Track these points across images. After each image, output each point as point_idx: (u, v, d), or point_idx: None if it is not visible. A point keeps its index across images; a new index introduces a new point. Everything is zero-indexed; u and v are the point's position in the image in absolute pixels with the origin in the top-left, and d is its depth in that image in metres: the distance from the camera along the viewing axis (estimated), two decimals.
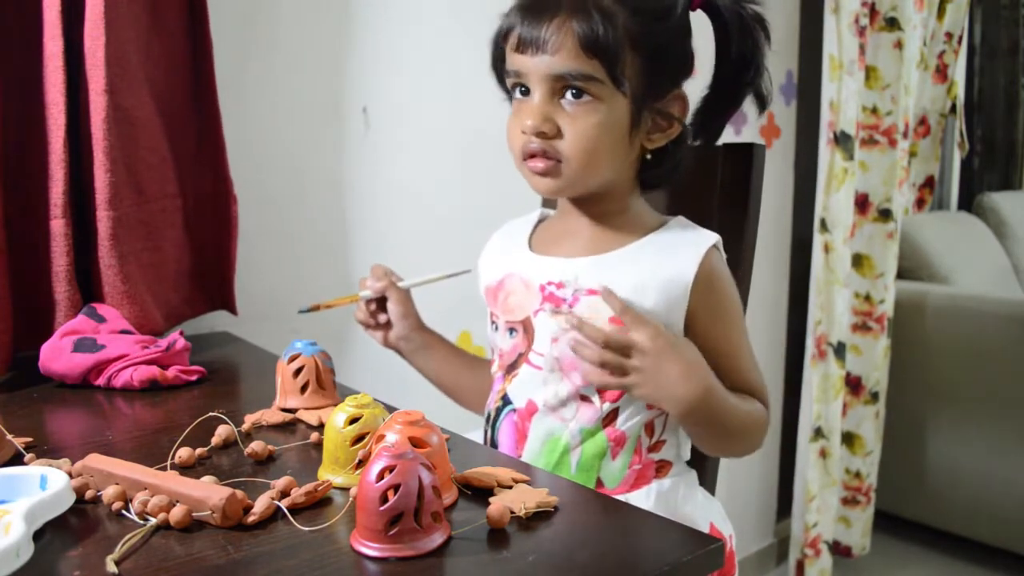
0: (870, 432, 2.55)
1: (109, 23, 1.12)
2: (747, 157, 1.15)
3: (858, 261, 2.48)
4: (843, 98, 2.28)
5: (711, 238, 0.99)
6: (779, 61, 2.48)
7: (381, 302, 1.21)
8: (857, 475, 2.56)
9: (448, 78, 1.69)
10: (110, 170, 1.14)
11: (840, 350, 2.39)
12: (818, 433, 2.42)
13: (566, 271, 1.01)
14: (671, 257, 0.97)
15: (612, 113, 0.94)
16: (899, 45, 2.38)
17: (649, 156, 1.00)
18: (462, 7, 1.70)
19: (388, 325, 1.20)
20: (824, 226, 2.35)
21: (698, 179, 1.18)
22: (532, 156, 0.96)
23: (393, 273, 1.20)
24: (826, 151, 2.31)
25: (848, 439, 2.56)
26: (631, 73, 0.93)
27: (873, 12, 2.35)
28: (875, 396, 2.54)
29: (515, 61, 0.96)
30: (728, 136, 2.36)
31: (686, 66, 0.99)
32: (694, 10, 0.97)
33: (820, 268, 2.36)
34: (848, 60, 2.26)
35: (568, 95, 0.94)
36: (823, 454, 2.43)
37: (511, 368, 1.06)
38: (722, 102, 1.04)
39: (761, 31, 0.99)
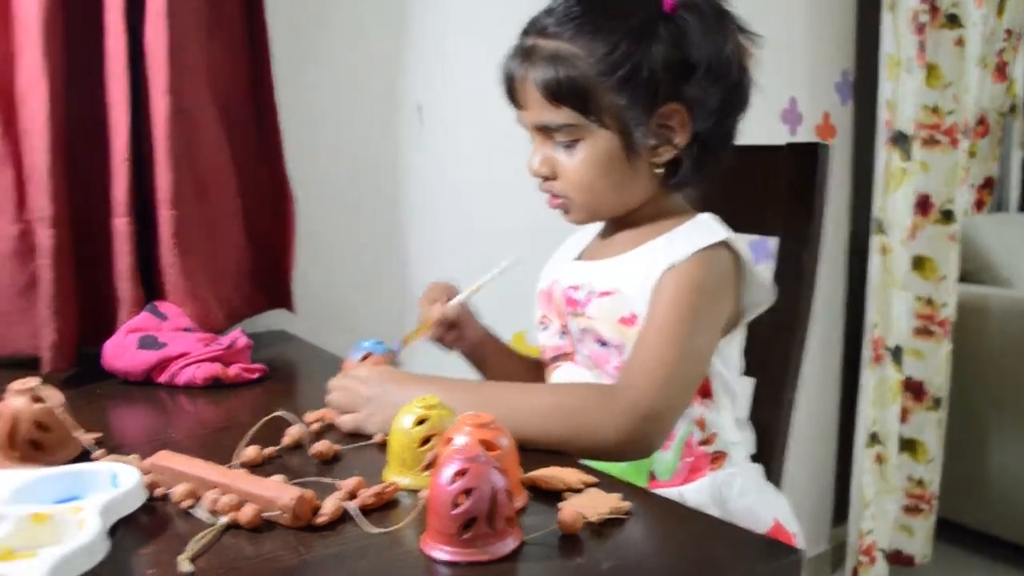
0: (932, 439, 2.49)
1: (171, 23, 1.13)
2: (812, 157, 1.12)
3: (919, 264, 2.42)
4: (900, 97, 2.23)
5: (710, 238, 0.95)
6: (834, 59, 2.43)
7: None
8: (920, 483, 2.50)
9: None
10: (173, 169, 1.15)
11: (898, 354, 2.34)
12: (874, 439, 2.37)
13: (583, 274, 1.03)
14: (664, 257, 0.95)
15: (599, 148, 0.95)
16: (960, 42, 2.32)
17: (660, 170, 0.98)
18: (519, 5, 1.69)
19: (457, 339, 1.17)
20: (881, 227, 2.30)
21: (761, 180, 1.16)
22: (548, 195, 1.01)
23: (450, 287, 1.17)
24: (883, 151, 2.26)
25: (910, 446, 2.50)
26: (608, 105, 0.93)
27: (933, 9, 2.30)
28: (937, 402, 2.48)
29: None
30: (782, 136, 2.33)
31: (679, 75, 0.93)
32: (673, 13, 0.92)
33: (877, 271, 2.31)
34: (906, 58, 2.21)
35: (556, 138, 0.97)
36: (879, 460, 2.38)
37: (552, 361, 1.08)
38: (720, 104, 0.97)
39: (738, 29, 0.97)
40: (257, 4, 1.32)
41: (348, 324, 1.54)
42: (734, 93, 0.97)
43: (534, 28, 0.97)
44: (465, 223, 1.70)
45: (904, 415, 2.47)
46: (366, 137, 1.57)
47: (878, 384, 2.36)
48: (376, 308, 1.61)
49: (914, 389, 2.49)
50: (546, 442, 0.83)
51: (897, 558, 2.51)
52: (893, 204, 2.28)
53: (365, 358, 0.98)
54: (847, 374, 2.62)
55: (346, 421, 0.89)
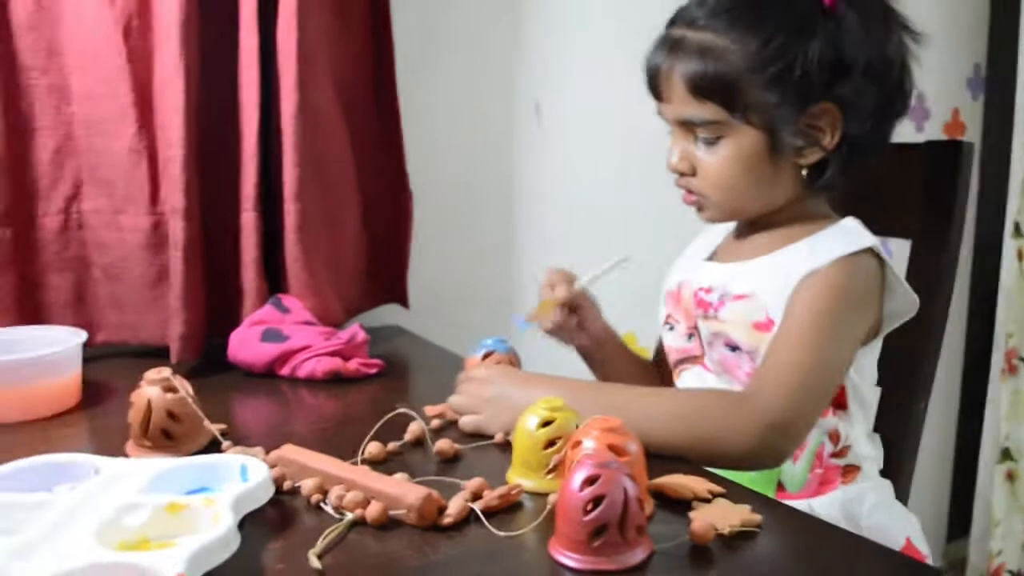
0: None
1: (301, 19, 1.15)
2: (953, 157, 1.07)
3: None
4: None
5: (855, 244, 0.90)
6: (965, 53, 2.32)
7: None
8: None
9: (623, 77, 1.65)
10: (298, 164, 1.16)
11: None
12: (1006, 454, 2.25)
13: (716, 276, 0.98)
14: (806, 261, 0.90)
15: (742, 146, 0.90)
16: None
17: (805, 172, 0.93)
18: (638, 6, 1.66)
19: (578, 328, 1.12)
20: (1018, 231, 2.18)
21: (898, 180, 1.10)
22: (685, 191, 0.97)
23: (570, 273, 1.15)
24: (1020, 149, 2.15)
25: None
26: (756, 102, 0.88)
27: None
28: None
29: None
30: (909, 133, 2.23)
31: (834, 74, 0.87)
32: (833, 9, 0.87)
33: (1012, 276, 2.19)
34: None
35: (698, 134, 0.92)
36: (1010, 477, 2.26)
37: (678, 364, 1.04)
38: (877, 107, 0.92)
39: (903, 28, 0.92)
40: (383, 5, 1.33)
41: (458, 320, 1.55)
42: (894, 96, 0.91)
43: (683, 19, 0.92)
44: (581, 222, 1.68)
45: None
46: (484, 136, 1.57)
47: (1012, 397, 2.23)
48: (488, 306, 1.61)
49: None
50: (672, 448, 0.81)
51: None
52: None
53: (487, 356, 0.97)
54: (970, 384, 2.50)
55: (467, 421, 0.89)
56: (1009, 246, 2.19)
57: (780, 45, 0.86)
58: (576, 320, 1.09)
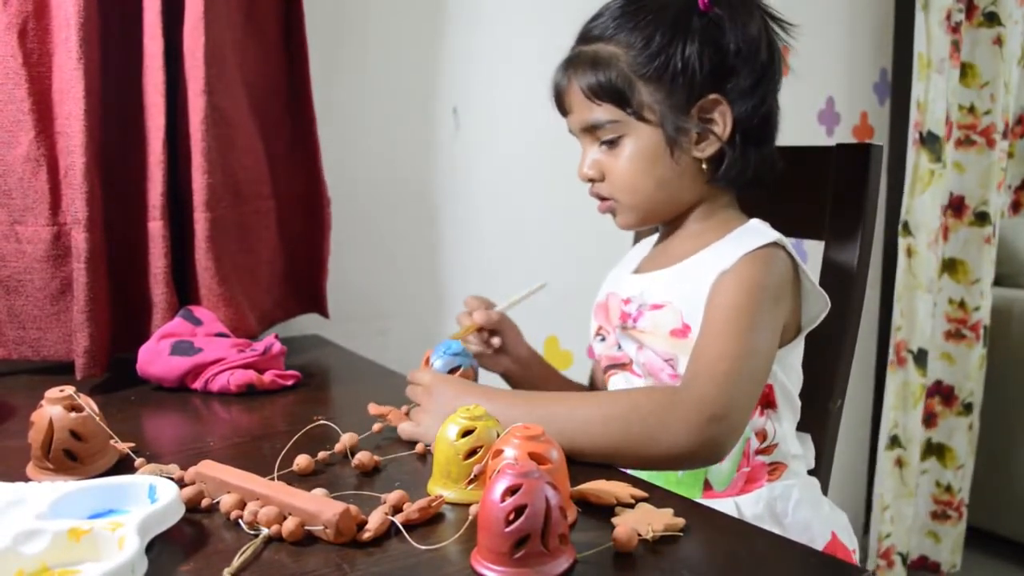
0: (962, 445, 2.44)
1: (208, 23, 1.11)
2: (863, 158, 1.09)
3: (952, 266, 2.38)
4: (931, 97, 2.18)
5: (761, 240, 0.92)
6: (873, 58, 2.39)
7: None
8: (948, 489, 2.46)
9: (540, 80, 1.65)
10: (207, 171, 1.13)
11: (921, 357, 2.30)
12: (894, 442, 2.33)
13: (635, 287, 1.01)
14: (714, 264, 0.92)
15: (642, 144, 0.95)
16: (999, 41, 2.28)
17: (705, 166, 0.97)
18: (554, 8, 1.67)
19: (501, 351, 1.14)
20: (907, 229, 2.26)
21: (810, 183, 1.13)
22: (598, 199, 1.02)
23: (487, 300, 1.15)
24: (912, 152, 2.22)
25: (939, 451, 2.46)
26: (647, 99, 0.94)
27: (971, 7, 2.26)
28: (968, 407, 2.43)
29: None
30: (820, 137, 2.28)
31: (715, 67, 0.93)
32: (707, 11, 0.93)
33: (902, 273, 2.27)
34: (938, 58, 2.16)
35: (600, 137, 0.97)
36: (899, 463, 2.34)
37: (608, 369, 1.06)
38: (754, 84, 0.96)
39: (767, 15, 0.98)
40: (295, 6, 1.30)
41: (382, 328, 1.52)
42: (764, 72, 0.96)
43: (579, 38, 0.99)
44: (500, 225, 1.68)
45: (933, 420, 2.43)
46: (401, 139, 1.56)
47: (900, 387, 2.32)
48: (412, 313, 1.59)
49: (944, 394, 2.44)
50: (610, 451, 0.80)
51: (923, 565, 2.47)
52: (921, 206, 2.24)
53: (453, 372, 0.96)
54: (883, 378, 2.58)
55: (404, 429, 0.88)
56: (900, 244, 2.27)
57: (660, 42, 0.92)
58: (499, 342, 1.12)
